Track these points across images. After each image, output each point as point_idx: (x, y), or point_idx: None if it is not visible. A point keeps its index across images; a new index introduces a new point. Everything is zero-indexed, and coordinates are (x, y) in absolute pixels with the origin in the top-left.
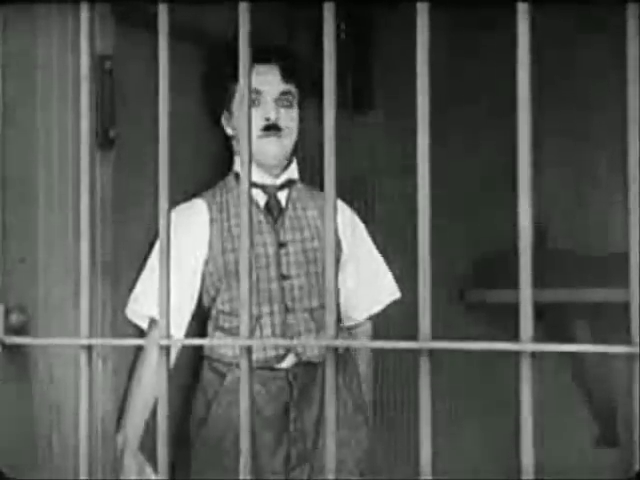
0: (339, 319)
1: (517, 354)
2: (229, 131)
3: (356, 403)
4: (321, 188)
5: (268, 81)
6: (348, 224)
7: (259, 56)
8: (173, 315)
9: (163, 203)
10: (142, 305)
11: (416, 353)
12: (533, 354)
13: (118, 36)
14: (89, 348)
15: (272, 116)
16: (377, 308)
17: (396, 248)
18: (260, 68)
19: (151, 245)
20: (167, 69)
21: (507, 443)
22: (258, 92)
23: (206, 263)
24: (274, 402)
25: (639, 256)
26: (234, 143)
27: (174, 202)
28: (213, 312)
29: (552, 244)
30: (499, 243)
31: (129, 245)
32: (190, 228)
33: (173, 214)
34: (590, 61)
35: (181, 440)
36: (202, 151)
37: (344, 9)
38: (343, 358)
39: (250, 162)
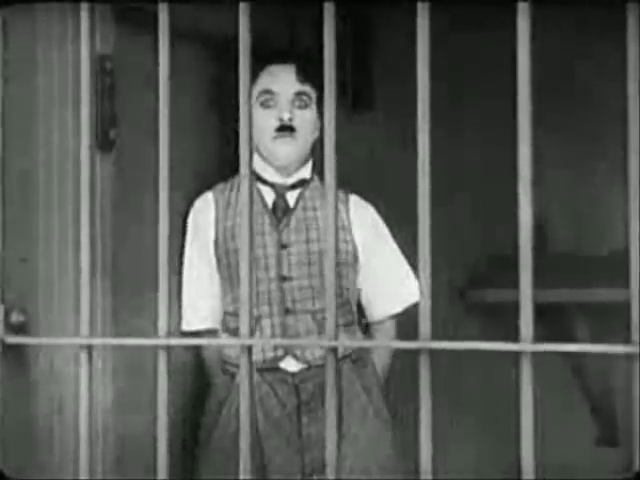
0: (362, 314)
1: (517, 354)
2: None
3: (376, 408)
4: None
5: (282, 81)
6: (368, 223)
7: (274, 56)
8: (211, 316)
9: (163, 203)
10: (188, 319)
11: (416, 353)
12: (533, 354)
13: (118, 36)
14: (89, 348)
15: (285, 117)
16: (397, 309)
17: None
18: (274, 68)
19: (180, 254)
20: (167, 69)
21: (507, 443)
22: (272, 93)
23: (217, 263)
24: (282, 405)
25: (639, 256)
26: None
27: (179, 202)
28: (222, 312)
29: (552, 244)
30: (499, 243)
31: (129, 245)
32: (200, 232)
33: (192, 212)
34: (590, 60)
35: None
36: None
37: (344, 9)
38: (362, 362)
39: (250, 165)
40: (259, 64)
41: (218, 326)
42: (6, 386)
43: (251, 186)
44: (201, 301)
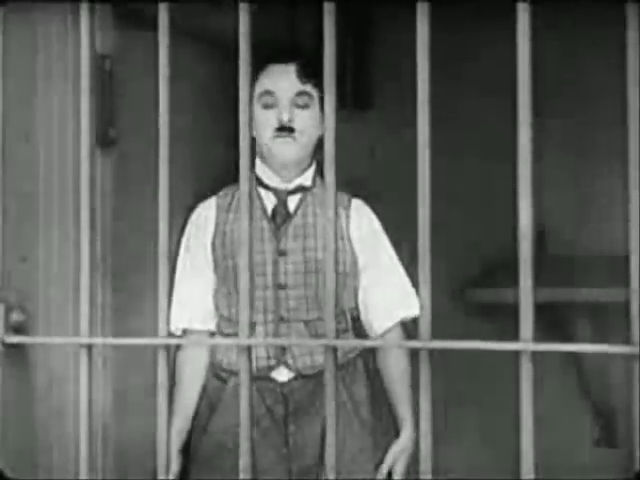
0: (362, 329)
1: (517, 354)
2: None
3: (362, 416)
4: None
5: (282, 82)
6: (367, 231)
7: (274, 56)
8: (206, 318)
9: (163, 203)
10: (174, 317)
11: (416, 353)
12: (533, 354)
13: (118, 36)
14: (89, 347)
15: (285, 117)
16: (393, 321)
17: (396, 248)
18: (275, 68)
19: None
20: (167, 69)
21: (507, 443)
22: (272, 93)
23: (214, 267)
24: (270, 413)
25: (639, 256)
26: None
27: (179, 202)
28: (217, 316)
29: (552, 244)
30: (500, 243)
31: (129, 245)
32: (199, 234)
33: (194, 214)
34: (591, 61)
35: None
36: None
37: (344, 8)
38: (350, 369)
39: (249, 167)
40: (259, 63)
41: (210, 328)
42: (6, 386)
43: (251, 189)
44: (191, 300)
